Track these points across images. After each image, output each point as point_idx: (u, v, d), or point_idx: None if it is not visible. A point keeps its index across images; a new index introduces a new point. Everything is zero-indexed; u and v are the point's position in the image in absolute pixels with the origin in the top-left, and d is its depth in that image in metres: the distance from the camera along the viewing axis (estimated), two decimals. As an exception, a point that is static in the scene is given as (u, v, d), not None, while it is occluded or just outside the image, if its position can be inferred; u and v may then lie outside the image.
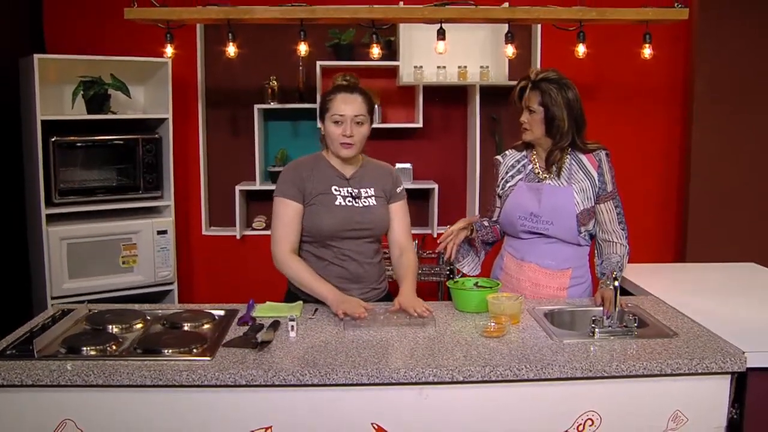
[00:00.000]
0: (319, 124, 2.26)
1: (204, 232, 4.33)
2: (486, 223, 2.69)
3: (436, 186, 4.24)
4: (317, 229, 2.42)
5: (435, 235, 4.27)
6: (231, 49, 3.04)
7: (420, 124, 4.18)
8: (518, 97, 2.52)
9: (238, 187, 4.21)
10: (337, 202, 2.42)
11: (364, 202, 2.46)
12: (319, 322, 2.28)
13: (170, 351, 1.98)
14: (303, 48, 3.05)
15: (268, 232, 4.27)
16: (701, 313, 2.31)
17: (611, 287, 2.18)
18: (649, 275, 2.84)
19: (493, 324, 2.14)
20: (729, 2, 4.05)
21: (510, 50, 3.08)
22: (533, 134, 2.52)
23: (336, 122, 2.37)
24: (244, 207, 4.36)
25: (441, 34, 3.02)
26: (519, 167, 2.61)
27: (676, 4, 3.03)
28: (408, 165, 4.28)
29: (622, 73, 4.28)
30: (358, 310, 2.22)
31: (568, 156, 2.53)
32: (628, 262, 2.59)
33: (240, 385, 1.86)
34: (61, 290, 3.59)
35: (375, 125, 4.19)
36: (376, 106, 2.71)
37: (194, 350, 1.99)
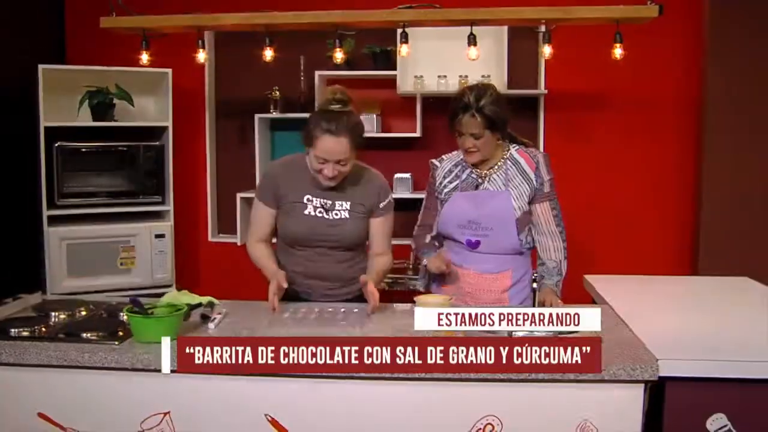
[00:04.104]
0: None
1: (210, 239, 4.46)
2: (437, 243, 2.63)
3: (435, 196, 4.19)
4: (284, 233, 2.50)
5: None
6: (201, 56, 3.16)
7: (419, 134, 4.16)
8: (457, 121, 2.39)
9: (239, 195, 4.31)
10: (306, 212, 2.42)
11: (335, 214, 2.43)
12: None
13: (89, 335, 2.05)
14: (269, 53, 3.11)
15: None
16: (640, 321, 2.18)
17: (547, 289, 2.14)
18: (615, 285, 2.72)
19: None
20: (740, 8, 3.86)
21: (473, 53, 3.02)
22: (483, 155, 2.45)
23: (319, 161, 2.32)
24: (246, 214, 4.45)
25: (404, 38, 3.02)
26: (456, 172, 2.54)
27: (648, 2, 2.89)
28: (407, 175, 4.25)
29: (634, 83, 4.12)
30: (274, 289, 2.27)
31: (507, 159, 2.47)
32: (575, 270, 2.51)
33: (137, 369, 1.90)
34: (61, 287, 3.75)
35: (374, 135, 4.23)
36: (365, 129, 2.42)
37: (108, 335, 2.05)
